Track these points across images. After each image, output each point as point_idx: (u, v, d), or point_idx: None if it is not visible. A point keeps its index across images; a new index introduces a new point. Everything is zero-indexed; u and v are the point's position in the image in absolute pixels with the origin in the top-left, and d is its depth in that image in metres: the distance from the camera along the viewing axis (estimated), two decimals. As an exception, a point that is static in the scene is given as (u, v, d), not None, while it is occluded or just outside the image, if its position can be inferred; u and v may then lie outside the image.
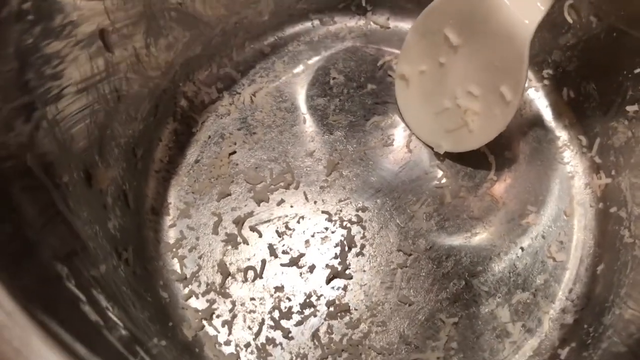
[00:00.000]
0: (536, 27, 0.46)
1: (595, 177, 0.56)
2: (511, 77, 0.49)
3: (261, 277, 0.52)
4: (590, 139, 0.57)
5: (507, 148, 0.58)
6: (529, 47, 0.47)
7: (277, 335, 0.50)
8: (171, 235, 0.54)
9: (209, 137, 0.58)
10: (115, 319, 0.36)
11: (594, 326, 0.49)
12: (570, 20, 0.54)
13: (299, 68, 0.62)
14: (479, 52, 0.51)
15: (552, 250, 0.54)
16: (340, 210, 0.55)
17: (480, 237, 0.54)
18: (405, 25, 0.65)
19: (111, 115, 0.48)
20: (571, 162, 0.58)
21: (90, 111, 0.45)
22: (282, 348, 0.49)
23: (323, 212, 0.55)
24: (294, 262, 0.53)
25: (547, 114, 0.60)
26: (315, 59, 0.63)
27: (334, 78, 0.61)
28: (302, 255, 0.53)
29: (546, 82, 0.61)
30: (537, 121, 0.60)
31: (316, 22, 0.65)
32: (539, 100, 0.61)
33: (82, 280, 0.36)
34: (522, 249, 0.54)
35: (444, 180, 0.56)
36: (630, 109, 0.51)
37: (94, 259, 0.40)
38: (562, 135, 0.59)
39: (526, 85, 0.61)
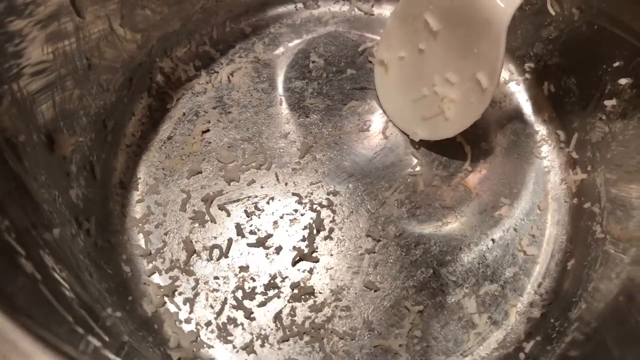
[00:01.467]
0: (513, 12, 0.45)
1: (571, 173, 0.55)
2: (488, 64, 0.48)
3: (226, 256, 0.51)
4: (568, 134, 0.56)
5: (484, 139, 0.57)
6: (506, 33, 0.46)
7: (239, 315, 0.49)
8: (138, 210, 0.53)
9: (184, 114, 0.57)
10: (60, 279, 0.35)
11: (560, 320, 0.48)
12: (553, 13, 0.54)
13: (279, 50, 0.61)
14: (457, 38, 0.50)
15: (524, 244, 0.53)
16: (311, 193, 0.54)
17: (451, 226, 0.53)
18: (389, 13, 0.64)
19: (80, 83, 0.48)
20: (548, 156, 0.57)
21: (57, 76, 0.44)
22: (243, 328, 0.49)
23: (293, 194, 0.54)
24: (261, 242, 0.52)
25: (527, 108, 0.60)
26: (296, 41, 0.62)
27: (313, 61, 0.61)
28: (269, 236, 0.52)
29: (527, 75, 0.60)
30: (516, 114, 0.59)
31: (300, 5, 0.64)
32: (520, 94, 0.60)
33: (27, 238, 0.35)
34: (493, 240, 0.53)
35: (418, 168, 0.56)
36: (608, 103, 0.50)
37: (49, 221, 0.39)
38: (540, 129, 0.59)
39: (507, 78, 0.60)
